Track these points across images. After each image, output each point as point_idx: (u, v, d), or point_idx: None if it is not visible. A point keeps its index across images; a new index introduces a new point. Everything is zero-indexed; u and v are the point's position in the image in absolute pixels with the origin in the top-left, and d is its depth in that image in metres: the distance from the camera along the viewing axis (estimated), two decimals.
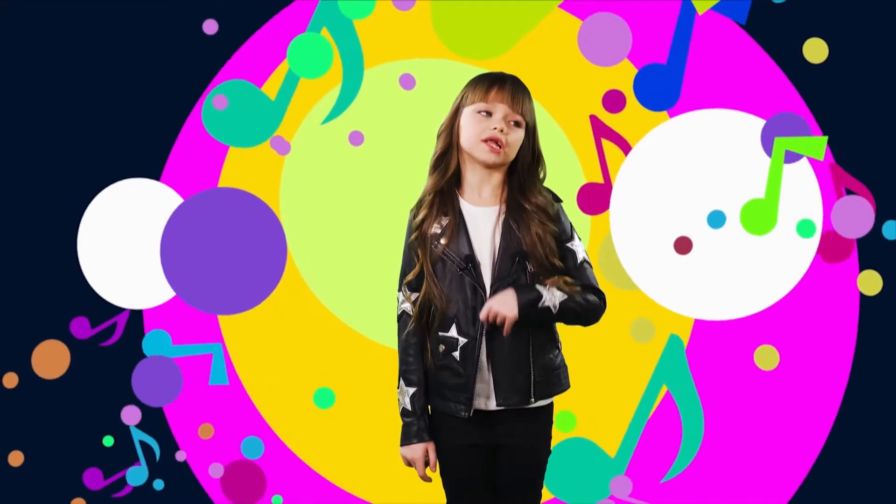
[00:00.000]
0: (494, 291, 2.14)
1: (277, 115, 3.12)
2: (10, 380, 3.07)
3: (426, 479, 2.23)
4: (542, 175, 2.24)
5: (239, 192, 3.13)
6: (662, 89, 3.08)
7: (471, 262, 2.16)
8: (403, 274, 2.24)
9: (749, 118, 3.06)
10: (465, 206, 2.20)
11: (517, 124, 2.17)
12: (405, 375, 2.23)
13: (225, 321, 3.17)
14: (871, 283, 3.09)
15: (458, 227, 2.17)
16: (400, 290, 2.24)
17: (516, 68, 2.30)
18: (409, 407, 2.21)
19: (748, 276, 3.06)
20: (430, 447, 2.22)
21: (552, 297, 2.12)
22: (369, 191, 3.15)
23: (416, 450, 2.21)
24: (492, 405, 2.17)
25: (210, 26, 3.10)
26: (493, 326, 2.12)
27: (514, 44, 3.09)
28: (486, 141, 2.14)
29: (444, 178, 2.20)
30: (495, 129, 2.14)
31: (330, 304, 3.17)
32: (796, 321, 3.10)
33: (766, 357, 3.10)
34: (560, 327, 2.22)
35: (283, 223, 3.14)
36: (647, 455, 3.09)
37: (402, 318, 2.23)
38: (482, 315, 2.10)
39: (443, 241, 2.17)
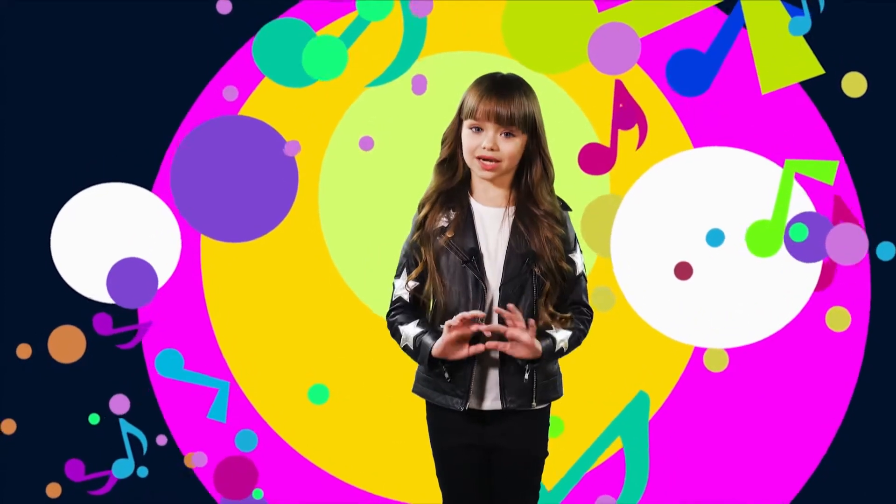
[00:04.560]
0: (503, 291, 2.19)
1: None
2: (24, 351, 3.14)
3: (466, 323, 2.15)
4: (550, 175, 2.25)
5: (249, 120, 3.16)
6: (696, 75, 3.08)
7: (474, 255, 2.19)
8: (401, 269, 2.29)
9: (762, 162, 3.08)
10: (475, 203, 2.25)
11: (510, 135, 2.18)
12: (396, 328, 2.25)
13: (225, 330, 3.22)
14: (839, 320, 3.12)
15: (466, 221, 2.22)
16: (397, 277, 2.29)
17: None
18: (412, 342, 2.22)
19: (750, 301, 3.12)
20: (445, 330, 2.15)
21: (563, 337, 2.22)
22: (377, 195, 3.21)
23: (441, 341, 2.15)
24: (486, 405, 2.22)
25: (224, 6, 3.11)
26: (504, 324, 2.17)
27: (577, 65, 3.09)
28: (478, 159, 2.18)
29: (451, 182, 2.26)
30: (485, 147, 2.16)
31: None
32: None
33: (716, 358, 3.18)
34: None
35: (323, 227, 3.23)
36: (581, 500, 3.20)
37: (396, 303, 2.28)
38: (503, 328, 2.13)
39: (448, 233, 2.21)
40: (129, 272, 3.12)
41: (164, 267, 3.16)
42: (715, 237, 3.09)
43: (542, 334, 2.20)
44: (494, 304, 2.19)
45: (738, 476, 3.19)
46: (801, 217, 3.03)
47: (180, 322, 3.20)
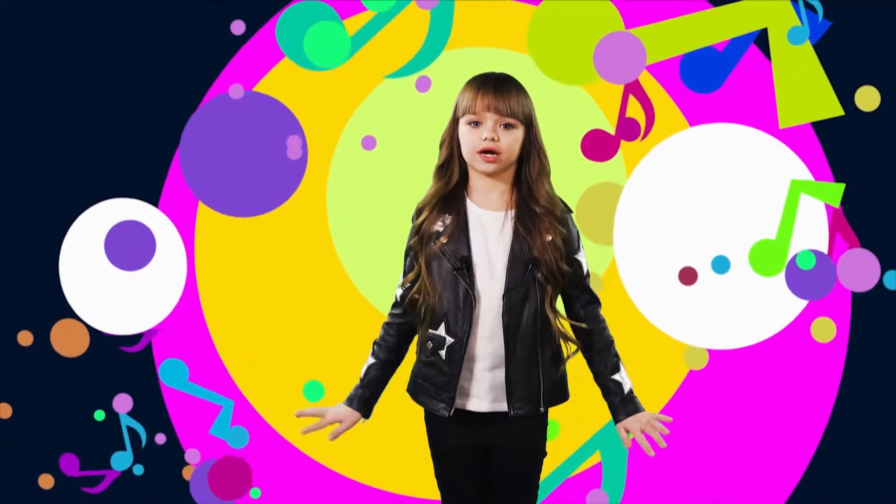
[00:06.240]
0: (507, 299, 2.18)
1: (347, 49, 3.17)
2: (25, 338, 3.16)
3: (307, 431, 2.29)
4: (547, 168, 2.25)
5: (260, 96, 3.19)
6: (709, 73, 3.10)
7: (465, 263, 2.20)
8: (404, 274, 2.31)
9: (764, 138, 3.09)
10: (472, 207, 2.24)
11: (509, 126, 2.20)
12: (375, 345, 2.34)
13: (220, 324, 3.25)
14: (824, 331, 3.10)
15: (460, 227, 2.22)
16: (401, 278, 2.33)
17: None
18: (361, 374, 2.33)
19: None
20: (352, 419, 2.31)
21: (621, 377, 2.28)
22: (386, 193, 3.23)
23: (340, 410, 2.31)
24: (485, 408, 2.23)
25: (238, 27, 3.15)
26: (509, 332, 2.19)
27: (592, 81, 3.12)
28: (480, 153, 2.19)
29: (448, 186, 2.26)
30: (485, 138, 2.17)
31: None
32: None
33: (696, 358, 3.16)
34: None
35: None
36: None
37: (394, 302, 2.34)
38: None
39: (442, 238, 2.21)
40: (127, 236, 3.16)
41: (172, 288, 3.21)
42: (720, 264, 3.08)
43: (607, 386, 2.28)
44: (483, 314, 2.20)
45: (715, 497, 3.18)
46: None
47: (182, 330, 3.23)
